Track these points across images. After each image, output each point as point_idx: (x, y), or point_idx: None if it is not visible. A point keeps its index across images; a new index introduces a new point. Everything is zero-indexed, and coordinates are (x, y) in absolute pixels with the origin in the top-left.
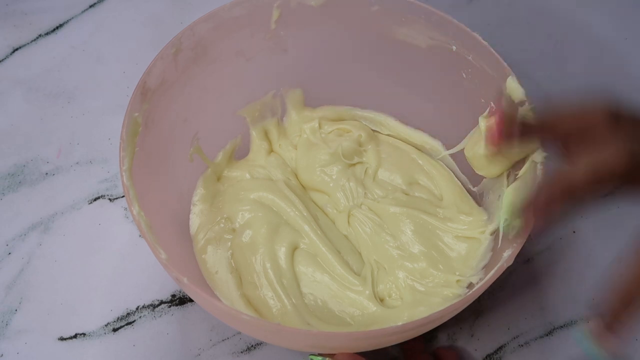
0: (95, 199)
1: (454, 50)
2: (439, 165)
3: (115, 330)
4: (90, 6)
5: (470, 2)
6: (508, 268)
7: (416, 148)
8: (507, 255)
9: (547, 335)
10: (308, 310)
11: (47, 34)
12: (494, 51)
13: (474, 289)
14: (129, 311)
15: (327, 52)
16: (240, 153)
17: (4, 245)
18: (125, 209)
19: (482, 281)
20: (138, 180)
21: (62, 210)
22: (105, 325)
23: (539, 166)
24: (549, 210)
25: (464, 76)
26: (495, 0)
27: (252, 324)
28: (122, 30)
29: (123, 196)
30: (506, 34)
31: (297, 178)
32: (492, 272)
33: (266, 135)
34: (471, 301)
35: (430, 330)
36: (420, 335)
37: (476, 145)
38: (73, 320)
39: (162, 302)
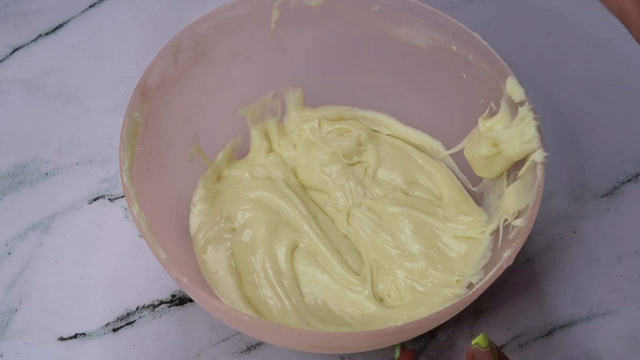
0: (95, 199)
1: (454, 50)
2: (439, 165)
3: (115, 330)
4: (90, 6)
5: (470, 2)
6: (508, 268)
7: (416, 148)
8: (507, 255)
9: (547, 335)
10: (308, 310)
11: (47, 34)
12: (494, 51)
13: (474, 289)
14: (129, 311)
15: (327, 52)
16: (240, 153)
17: (4, 245)
18: (125, 209)
19: (482, 281)
20: (138, 180)
21: (62, 210)
22: (105, 325)
23: (539, 166)
24: None
25: (464, 76)
26: (495, 0)
27: (252, 324)
28: (122, 30)
29: (123, 196)
30: (506, 34)
31: (297, 177)
32: (492, 272)
33: (266, 135)
34: (471, 301)
35: (431, 330)
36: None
37: (476, 147)
38: (73, 320)
39: (162, 302)
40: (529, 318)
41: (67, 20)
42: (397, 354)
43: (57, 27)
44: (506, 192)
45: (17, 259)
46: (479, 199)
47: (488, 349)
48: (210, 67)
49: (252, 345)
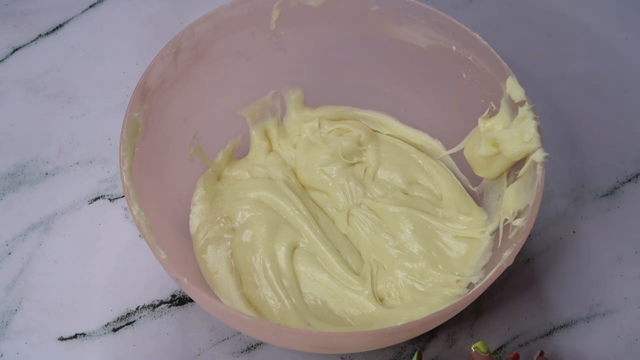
0: (95, 199)
1: (454, 50)
2: (439, 165)
3: (115, 330)
4: (90, 6)
5: (470, 2)
6: (508, 268)
7: (416, 148)
8: (507, 255)
9: (547, 335)
10: (308, 310)
11: (47, 34)
12: (494, 51)
13: (474, 289)
14: (129, 311)
15: (327, 52)
16: (240, 153)
17: (4, 245)
18: (125, 209)
19: (482, 281)
20: (138, 180)
21: (62, 210)
22: (105, 325)
23: (539, 166)
24: None
25: (464, 76)
26: (495, 0)
27: (252, 324)
28: (122, 30)
29: (123, 196)
30: (506, 34)
31: (297, 177)
32: (492, 272)
33: (266, 135)
34: (471, 301)
35: (431, 330)
36: None
37: (476, 147)
38: (73, 320)
39: (162, 302)
40: (529, 318)
41: (67, 20)
42: None
43: (57, 27)
44: (506, 192)
45: (17, 259)
46: (479, 199)
47: (487, 355)
48: (210, 67)
49: (252, 345)
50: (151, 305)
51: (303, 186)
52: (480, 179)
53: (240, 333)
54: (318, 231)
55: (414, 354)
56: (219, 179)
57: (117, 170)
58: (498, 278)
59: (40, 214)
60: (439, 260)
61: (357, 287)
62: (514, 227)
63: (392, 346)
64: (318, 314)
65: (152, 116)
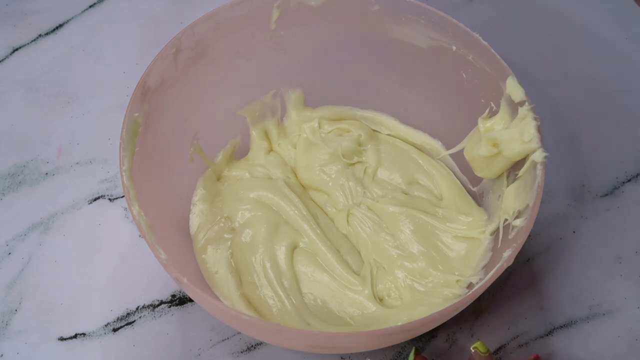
0: (95, 199)
1: (454, 50)
2: (439, 165)
3: (115, 330)
4: (90, 6)
5: (470, 2)
6: (508, 268)
7: (416, 148)
8: (507, 255)
9: (547, 335)
10: (308, 310)
11: (47, 34)
12: (494, 51)
13: (474, 289)
14: (129, 311)
15: (327, 52)
16: (240, 153)
17: (4, 245)
18: (125, 209)
19: (482, 281)
20: (138, 180)
21: (62, 210)
22: (105, 325)
23: (539, 166)
24: None
25: (464, 76)
26: (495, 0)
27: (252, 324)
28: (122, 30)
29: (123, 196)
30: (506, 34)
31: (297, 177)
32: (492, 272)
33: (266, 135)
34: (471, 301)
35: (431, 330)
36: None
37: (476, 147)
38: (73, 320)
39: (162, 302)
40: (529, 318)
41: (67, 20)
42: (411, 358)
43: (57, 27)
44: (506, 192)
45: (17, 259)
46: (479, 199)
47: (487, 355)
48: (210, 67)
49: (252, 345)
50: (151, 305)
51: (303, 186)
52: (480, 179)
53: (240, 333)
54: (318, 231)
55: (411, 351)
56: (219, 179)
57: (117, 170)
58: (498, 278)
59: (40, 214)
60: (438, 260)
61: (357, 287)
62: (514, 227)
63: (392, 346)
64: (318, 314)
65: (152, 116)
